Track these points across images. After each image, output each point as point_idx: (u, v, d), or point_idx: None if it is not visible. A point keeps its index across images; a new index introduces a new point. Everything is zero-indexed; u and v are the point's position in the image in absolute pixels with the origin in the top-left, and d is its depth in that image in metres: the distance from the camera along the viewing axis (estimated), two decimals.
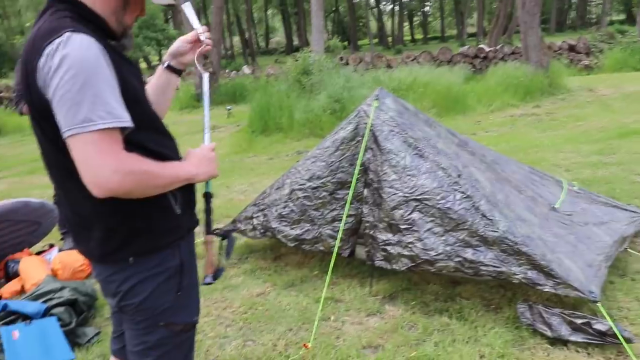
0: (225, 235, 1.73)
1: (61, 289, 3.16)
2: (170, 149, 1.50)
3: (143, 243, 1.42)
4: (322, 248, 3.36)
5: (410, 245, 2.96)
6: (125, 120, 1.26)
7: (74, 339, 2.90)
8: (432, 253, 2.89)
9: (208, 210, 1.69)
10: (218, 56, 18.35)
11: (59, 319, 2.90)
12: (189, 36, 1.70)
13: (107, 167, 1.22)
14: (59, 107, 1.21)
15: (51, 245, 4.37)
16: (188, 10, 1.76)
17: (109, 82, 1.25)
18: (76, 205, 1.41)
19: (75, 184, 1.36)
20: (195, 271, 1.62)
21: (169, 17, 37.76)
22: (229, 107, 12.79)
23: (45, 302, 3.04)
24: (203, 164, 1.50)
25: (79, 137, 1.21)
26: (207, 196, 1.69)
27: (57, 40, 1.22)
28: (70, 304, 3.07)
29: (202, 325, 3.00)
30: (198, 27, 1.67)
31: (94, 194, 1.25)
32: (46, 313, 2.93)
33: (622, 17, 52.02)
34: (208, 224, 1.69)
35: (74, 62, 1.20)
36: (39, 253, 4.22)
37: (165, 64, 1.71)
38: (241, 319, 3.07)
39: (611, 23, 39.76)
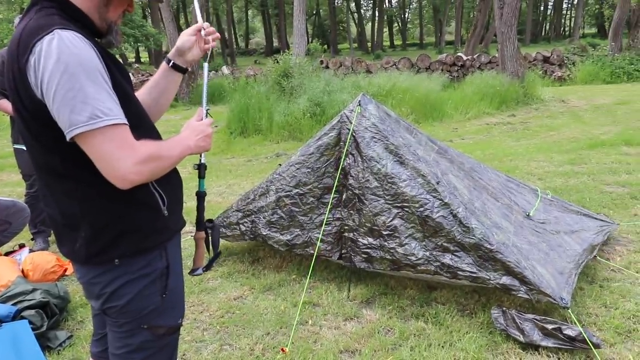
0: (211, 226, 1.78)
1: (32, 291, 3.08)
2: None
3: (130, 244, 1.41)
4: (312, 252, 3.38)
5: (392, 250, 3.03)
6: (123, 118, 1.27)
7: (45, 343, 2.83)
8: (413, 258, 2.96)
9: (200, 209, 1.71)
10: None
11: (30, 323, 2.83)
12: (189, 29, 1.69)
13: (128, 160, 1.25)
14: (61, 107, 1.21)
15: (22, 246, 4.26)
16: (196, 4, 1.77)
17: (104, 79, 1.25)
18: (63, 205, 1.40)
19: (63, 185, 1.35)
20: (181, 273, 1.61)
21: (147, 13, 37.24)
22: (207, 108, 12.66)
23: (15, 304, 2.95)
24: (200, 138, 1.52)
25: (91, 134, 1.22)
26: (200, 195, 1.71)
27: (48, 38, 1.21)
28: (42, 306, 3.00)
29: None
30: (201, 22, 1.68)
31: (119, 186, 1.28)
32: (16, 316, 2.85)
33: (594, 30, 53.66)
34: (199, 221, 1.71)
35: (69, 61, 1.19)
36: (8, 253, 4.10)
37: (171, 63, 1.70)
38: (218, 323, 3.05)
39: (584, 36, 40.98)
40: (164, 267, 1.49)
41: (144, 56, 48.31)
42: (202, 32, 1.68)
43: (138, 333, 1.48)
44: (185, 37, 1.68)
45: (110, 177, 1.26)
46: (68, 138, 1.23)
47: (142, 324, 1.47)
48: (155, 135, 1.49)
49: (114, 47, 1.49)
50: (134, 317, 1.46)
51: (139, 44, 28.95)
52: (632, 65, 17.09)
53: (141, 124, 1.41)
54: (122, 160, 1.25)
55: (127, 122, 1.28)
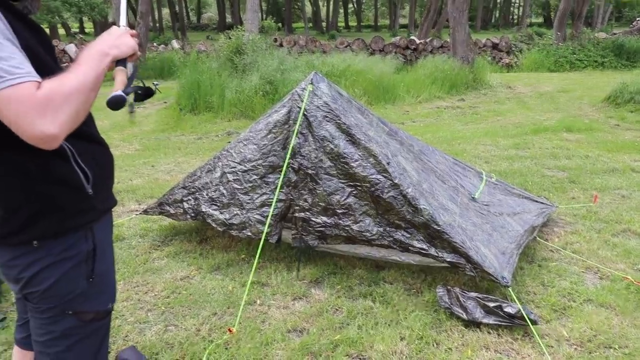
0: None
1: None
2: (85, 123, 1.40)
3: (49, 225, 1.31)
4: (249, 234, 3.29)
5: (347, 228, 3.06)
6: (35, 75, 1.10)
7: None
8: (368, 234, 3.01)
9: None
10: (145, 28, 17.44)
11: None
12: None
13: (36, 117, 1.06)
14: None
15: None
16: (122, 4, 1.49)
17: (8, 39, 1.11)
18: None
19: None
20: (111, 256, 1.53)
21: None
22: (156, 83, 12.17)
23: None
24: (121, 38, 1.30)
25: None
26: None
27: None
28: None
29: (121, 310, 2.88)
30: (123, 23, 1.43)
31: (44, 147, 1.11)
32: None
33: (540, 20, 55.61)
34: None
35: None
36: None
37: None
38: (163, 304, 2.97)
39: (531, 25, 42.38)
40: (89, 249, 1.39)
41: (89, 26, 45.94)
42: None
43: (62, 319, 1.39)
44: None
45: (29, 138, 1.09)
46: None
47: (66, 309, 1.38)
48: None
49: (30, 14, 1.35)
50: (57, 303, 1.37)
51: (82, 14, 27.45)
52: (575, 55, 17.86)
53: None
54: (30, 118, 1.06)
55: (39, 80, 1.10)
